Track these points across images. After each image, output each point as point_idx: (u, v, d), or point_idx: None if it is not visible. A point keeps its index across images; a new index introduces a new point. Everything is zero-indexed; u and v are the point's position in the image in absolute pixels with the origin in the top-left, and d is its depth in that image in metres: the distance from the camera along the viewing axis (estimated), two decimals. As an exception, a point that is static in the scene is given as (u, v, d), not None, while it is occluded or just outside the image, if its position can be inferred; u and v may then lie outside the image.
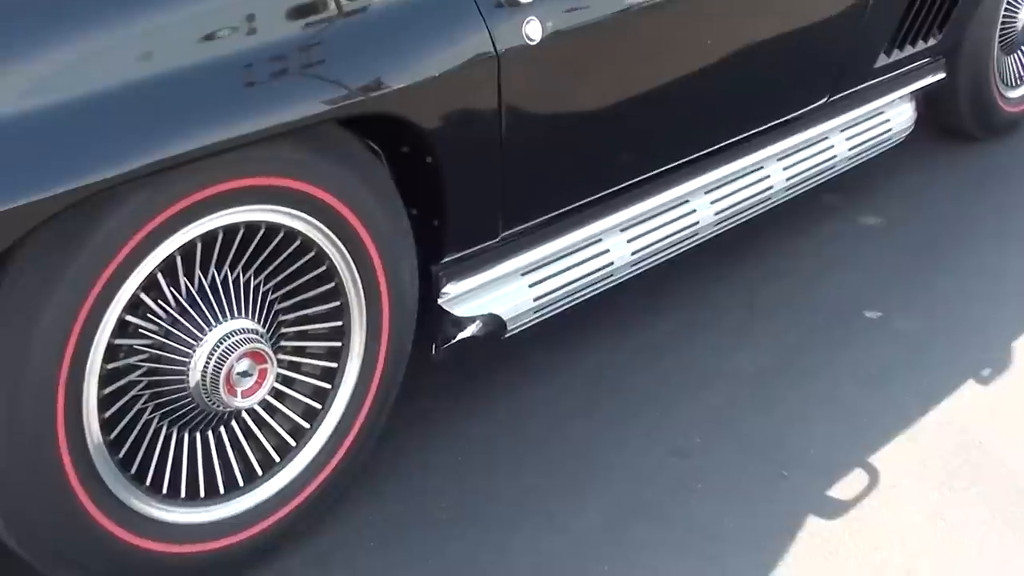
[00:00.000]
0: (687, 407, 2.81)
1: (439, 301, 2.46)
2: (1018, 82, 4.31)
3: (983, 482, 2.59)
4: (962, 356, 3.04)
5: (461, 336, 2.50)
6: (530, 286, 2.62)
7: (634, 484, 2.56)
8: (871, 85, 3.55)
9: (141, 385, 2.04)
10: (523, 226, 2.57)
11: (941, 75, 3.87)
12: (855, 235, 3.66)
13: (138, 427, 2.07)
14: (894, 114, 3.67)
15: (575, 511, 2.48)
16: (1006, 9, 4.03)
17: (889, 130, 3.65)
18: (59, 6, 1.78)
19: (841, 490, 2.56)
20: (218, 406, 2.09)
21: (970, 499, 2.54)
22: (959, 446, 2.70)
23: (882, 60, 3.53)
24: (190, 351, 2.04)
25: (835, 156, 3.43)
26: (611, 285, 2.83)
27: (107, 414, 1.98)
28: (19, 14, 1.73)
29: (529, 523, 2.44)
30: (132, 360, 2.00)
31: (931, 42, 3.72)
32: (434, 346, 2.50)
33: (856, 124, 3.53)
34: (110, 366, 1.96)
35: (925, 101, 3.92)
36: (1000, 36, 4.06)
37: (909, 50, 3.64)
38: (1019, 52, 4.25)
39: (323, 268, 2.19)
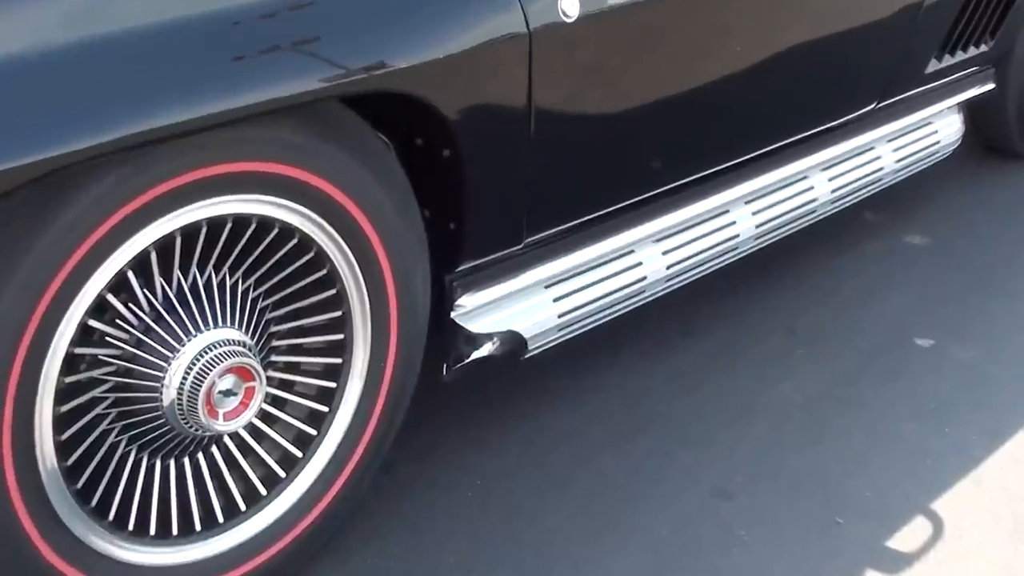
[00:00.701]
0: (728, 441, 2.55)
1: (452, 315, 2.19)
2: (1069, 98, 4.12)
3: (1063, 535, 2.30)
4: (1025, 391, 2.76)
5: (476, 355, 2.23)
6: (554, 300, 2.35)
7: (670, 529, 2.28)
8: (920, 93, 3.39)
9: (106, 403, 1.75)
10: (549, 232, 2.31)
11: (990, 85, 3.74)
12: (900, 255, 3.45)
13: (101, 452, 1.76)
14: (942, 125, 3.51)
15: (604, 559, 2.19)
16: None
17: (937, 142, 3.48)
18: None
19: (902, 540, 2.30)
20: (196, 430, 1.80)
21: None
22: (1032, 493, 2.41)
23: (932, 66, 3.37)
24: (165, 364, 1.74)
25: (882, 168, 3.25)
26: (643, 302, 2.57)
27: (64, 436, 1.68)
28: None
29: (553, 572, 2.15)
30: (96, 373, 1.70)
31: (982, 48, 3.59)
32: (445, 366, 2.23)
33: (904, 135, 3.36)
34: (69, 379, 1.65)
35: (971, 117, 3.73)
36: None
37: (960, 56, 3.50)
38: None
39: (323, 272, 1.90)
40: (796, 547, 2.25)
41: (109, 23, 1.53)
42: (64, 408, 1.68)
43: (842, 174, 3.09)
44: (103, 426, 1.77)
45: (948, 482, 2.47)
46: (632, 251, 2.51)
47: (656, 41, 2.28)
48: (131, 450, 1.82)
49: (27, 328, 1.56)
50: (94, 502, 1.77)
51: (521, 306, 2.29)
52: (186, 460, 1.89)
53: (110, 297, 1.67)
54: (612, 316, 2.50)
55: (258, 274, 1.85)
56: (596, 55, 2.14)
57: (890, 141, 3.29)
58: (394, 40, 1.79)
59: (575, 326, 2.40)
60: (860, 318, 3.08)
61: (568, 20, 2.03)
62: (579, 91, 2.16)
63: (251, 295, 1.86)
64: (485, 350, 2.23)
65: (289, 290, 1.90)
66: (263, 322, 1.89)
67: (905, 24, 3.06)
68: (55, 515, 1.71)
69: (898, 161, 3.30)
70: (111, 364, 1.73)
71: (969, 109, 3.67)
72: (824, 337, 2.97)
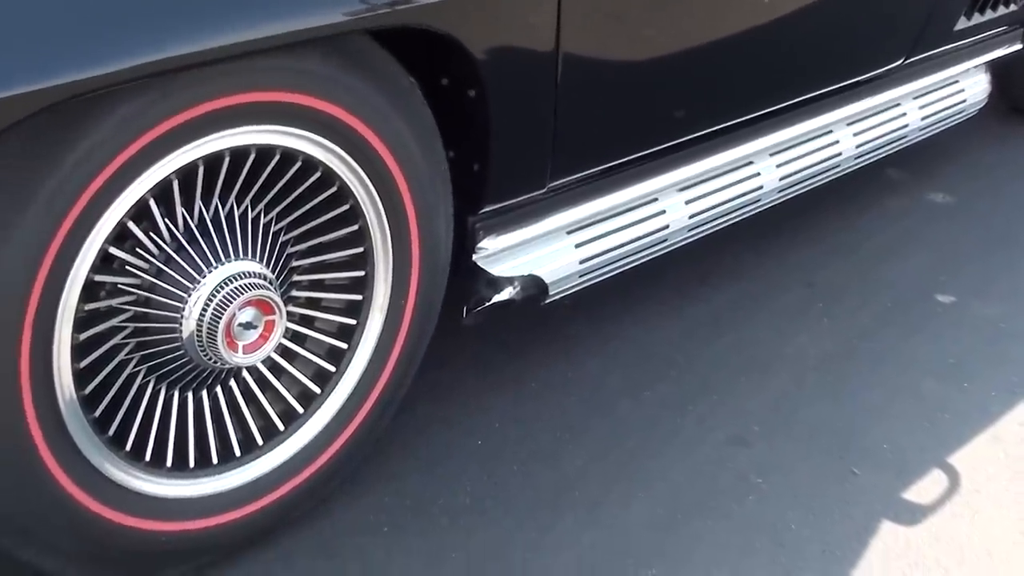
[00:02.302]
0: (746, 392, 2.55)
1: (474, 257, 2.19)
2: (1096, 61, 4.07)
3: (1079, 490, 2.30)
4: (1047, 349, 2.76)
5: (497, 299, 2.23)
6: (576, 246, 2.35)
7: (688, 475, 2.28)
8: (947, 51, 3.38)
9: (125, 333, 1.73)
10: (573, 177, 2.30)
11: (1018, 46, 3.74)
12: (922, 213, 3.45)
13: (119, 383, 1.75)
14: (969, 84, 3.51)
15: (621, 503, 2.19)
16: None
17: (964, 100, 3.48)
18: None
19: (918, 493, 2.30)
20: (215, 362, 1.80)
21: (1065, 510, 2.24)
22: (1050, 449, 2.41)
23: (962, 23, 3.35)
24: (185, 295, 1.74)
25: (907, 125, 3.25)
26: (664, 251, 2.57)
27: (83, 364, 1.66)
28: None
29: (568, 517, 2.15)
30: (115, 302, 1.70)
31: (1012, 8, 3.57)
32: (465, 309, 2.22)
33: (930, 92, 3.36)
34: (88, 307, 1.64)
35: (998, 77, 3.72)
36: None
37: (989, 14, 3.48)
38: (1099, 28, 4.00)
39: (346, 207, 1.89)
40: (811, 496, 2.25)
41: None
42: (83, 336, 1.66)
43: (867, 130, 3.09)
44: (121, 356, 1.76)
45: (966, 437, 2.47)
46: (655, 199, 2.51)
47: None
48: (149, 381, 1.82)
49: (47, 251, 1.55)
50: (111, 432, 1.76)
51: (543, 251, 2.29)
52: (204, 393, 1.88)
53: (131, 225, 1.66)
54: (633, 264, 2.49)
55: (280, 207, 1.84)
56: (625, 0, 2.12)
57: (916, 98, 3.28)
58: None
59: (596, 273, 2.40)
60: (881, 274, 3.07)
61: (598, -39, 2.00)
62: (607, 36, 2.14)
63: (272, 229, 1.85)
64: (506, 294, 2.23)
65: (311, 224, 1.89)
66: (284, 256, 1.88)
67: None
68: (72, 443, 1.70)
69: (924, 119, 3.30)
70: (131, 294, 1.71)
71: (995, 69, 3.65)
72: (844, 292, 2.97)
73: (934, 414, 2.53)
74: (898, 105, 3.20)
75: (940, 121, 3.38)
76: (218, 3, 1.56)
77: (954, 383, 2.64)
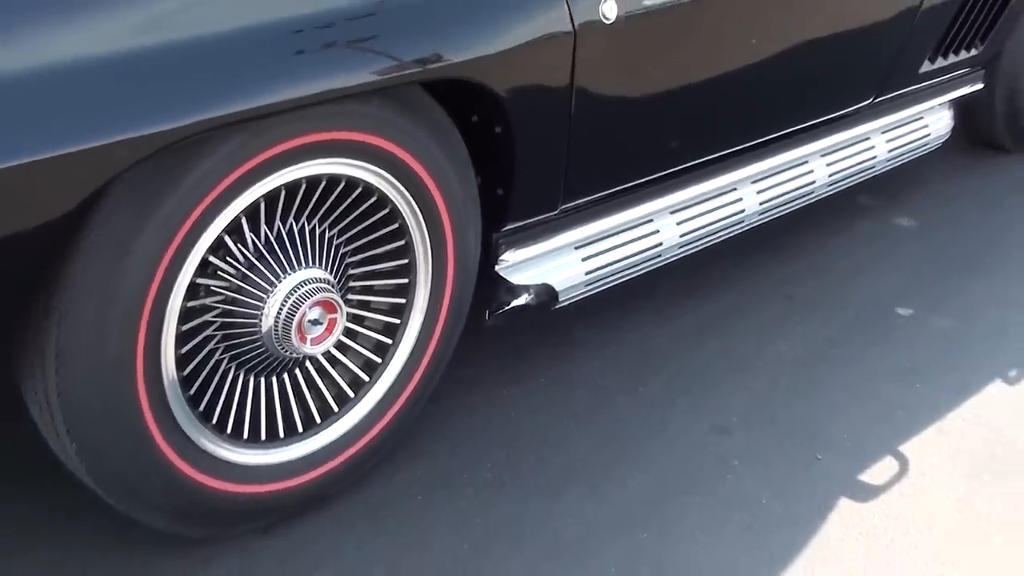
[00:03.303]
0: (728, 389, 2.88)
1: (496, 268, 2.52)
2: (1054, 99, 4.35)
3: (1009, 477, 2.67)
4: (992, 356, 3.12)
5: (515, 303, 2.56)
6: (583, 260, 2.68)
7: (676, 459, 2.62)
8: (914, 90, 3.66)
9: (215, 327, 2.08)
10: (581, 200, 2.63)
11: (979, 85, 3.99)
12: (890, 236, 3.75)
13: (208, 368, 2.11)
14: (933, 120, 3.78)
15: (619, 482, 2.53)
16: None
17: (928, 135, 3.75)
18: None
19: (872, 475, 2.63)
20: (288, 352, 2.15)
21: (996, 492, 2.61)
22: (986, 441, 2.78)
23: (926, 66, 3.63)
24: (265, 296, 2.09)
25: (875, 156, 3.53)
26: (658, 265, 2.89)
27: (183, 350, 2.02)
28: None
29: (574, 491, 2.49)
30: (209, 301, 2.05)
31: (973, 52, 3.83)
32: (488, 312, 2.56)
33: (897, 127, 3.64)
34: (190, 304, 2.01)
35: (961, 112, 4.01)
36: None
37: (952, 59, 3.74)
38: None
39: (395, 225, 2.25)
40: (782, 477, 2.59)
41: (235, 19, 1.87)
42: (184, 327, 2.03)
43: (839, 161, 3.38)
44: (211, 346, 2.12)
45: (916, 430, 2.80)
46: (651, 220, 2.83)
47: (681, 40, 2.59)
48: (231, 367, 2.17)
49: (162, 260, 1.91)
50: (201, 409, 2.12)
51: (555, 263, 2.63)
52: (274, 379, 2.24)
53: (226, 238, 2.03)
54: (631, 276, 2.82)
55: (341, 225, 2.20)
56: (630, 51, 2.46)
57: (884, 133, 3.57)
58: (463, 37, 2.13)
59: (599, 283, 2.73)
60: (850, 289, 3.39)
61: (607, 21, 2.36)
62: (614, 81, 2.48)
63: (335, 242, 2.21)
64: (523, 299, 2.57)
65: (366, 239, 2.24)
66: (343, 265, 2.24)
67: (901, 29, 3.33)
68: (172, 417, 2.06)
69: (890, 151, 3.59)
70: (221, 294, 2.08)
71: (961, 106, 3.94)
72: (817, 305, 3.29)
73: (890, 411, 2.85)
74: (867, 139, 3.49)
75: (906, 153, 3.67)
76: (302, 63, 1.92)
77: (908, 385, 2.97)
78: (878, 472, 2.65)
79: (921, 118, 3.74)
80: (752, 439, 2.71)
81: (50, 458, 2.10)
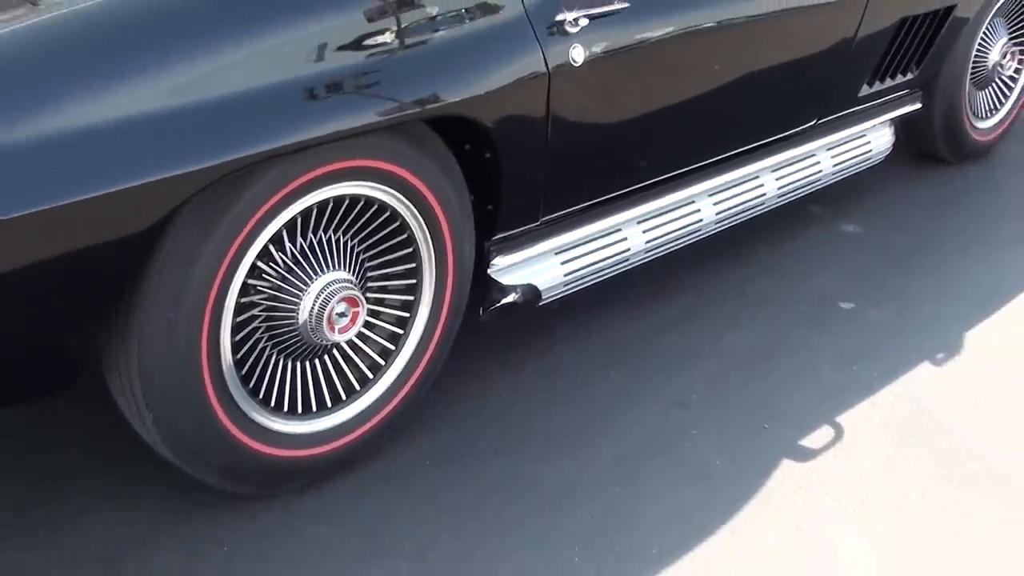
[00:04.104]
0: (688, 373, 3.33)
1: (488, 271, 2.99)
2: (989, 114, 4.84)
3: (930, 443, 3.12)
4: (921, 343, 3.56)
5: (504, 301, 3.02)
6: (562, 263, 3.14)
7: (643, 430, 3.09)
8: (855, 111, 4.09)
9: (260, 319, 2.56)
10: (559, 213, 3.10)
11: (917, 105, 4.40)
12: (836, 241, 4.19)
13: (255, 353, 2.59)
14: (874, 137, 4.21)
15: (595, 449, 3.00)
16: (978, 49, 4.56)
17: (870, 151, 4.19)
18: (232, 14, 2.32)
19: (811, 441, 3.09)
20: (319, 340, 2.62)
21: (919, 455, 3.06)
22: (913, 413, 3.23)
23: (865, 90, 4.06)
24: (301, 293, 2.56)
25: (821, 171, 3.96)
26: (626, 268, 3.35)
27: (236, 339, 2.51)
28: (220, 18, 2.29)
29: (557, 457, 2.96)
30: (256, 298, 2.52)
31: (909, 76, 4.25)
32: (482, 309, 3.02)
33: (840, 144, 4.06)
34: (242, 300, 2.48)
35: (905, 128, 4.47)
36: (972, 73, 4.58)
37: (889, 83, 4.17)
38: (991, 87, 4.78)
39: (405, 235, 2.72)
40: (733, 443, 3.05)
41: (274, 75, 2.35)
42: (238, 319, 2.52)
43: (787, 175, 3.81)
44: (256, 335, 2.60)
45: (852, 404, 3.25)
46: (620, 229, 3.29)
47: (639, 75, 3.05)
48: (273, 353, 2.66)
49: (222, 264, 2.38)
50: (251, 386, 2.61)
51: (538, 266, 3.09)
52: (308, 362, 2.73)
53: (270, 247, 2.52)
54: (604, 277, 3.27)
55: (361, 236, 2.69)
56: (594, 87, 2.92)
57: (829, 150, 4.00)
58: (457, 81, 2.60)
59: (577, 283, 3.19)
60: (798, 287, 3.83)
61: (576, 64, 2.83)
62: (582, 112, 2.94)
63: (355, 250, 2.68)
64: (511, 297, 3.03)
65: (381, 248, 2.72)
66: (362, 268, 2.71)
67: (838, 58, 3.78)
68: (229, 393, 2.53)
69: (835, 166, 4.02)
70: (266, 292, 2.57)
71: (903, 123, 4.39)
72: (768, 301, 3.74)
73: (829, 389, 3.30)
74: (813, 155, 3.91)
75: (850, 167, 4.09)
76: (328, 106, 2.41)
77: (847, 368, 3.41)
78: (817, 439, 3.10)
79: (864, 135, 4.16)
80: (708, 413, 3.17)
81: (122, 437, 2.57)
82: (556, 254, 3.14)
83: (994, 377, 3.41)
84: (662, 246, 3.42)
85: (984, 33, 4.55)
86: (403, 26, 2.53)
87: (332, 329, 2.60)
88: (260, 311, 2.56)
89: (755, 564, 2.67)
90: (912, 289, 3.90)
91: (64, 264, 2.16)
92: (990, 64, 4.68)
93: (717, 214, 3.58)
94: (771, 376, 3.36)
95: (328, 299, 2.58)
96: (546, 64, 2.77)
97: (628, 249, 3.31)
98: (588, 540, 2.70)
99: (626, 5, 2.91)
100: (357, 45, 2.45)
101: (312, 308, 2.58)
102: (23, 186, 2.05)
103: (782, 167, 3.79)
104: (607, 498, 2.84)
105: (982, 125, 4.82)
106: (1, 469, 2.82)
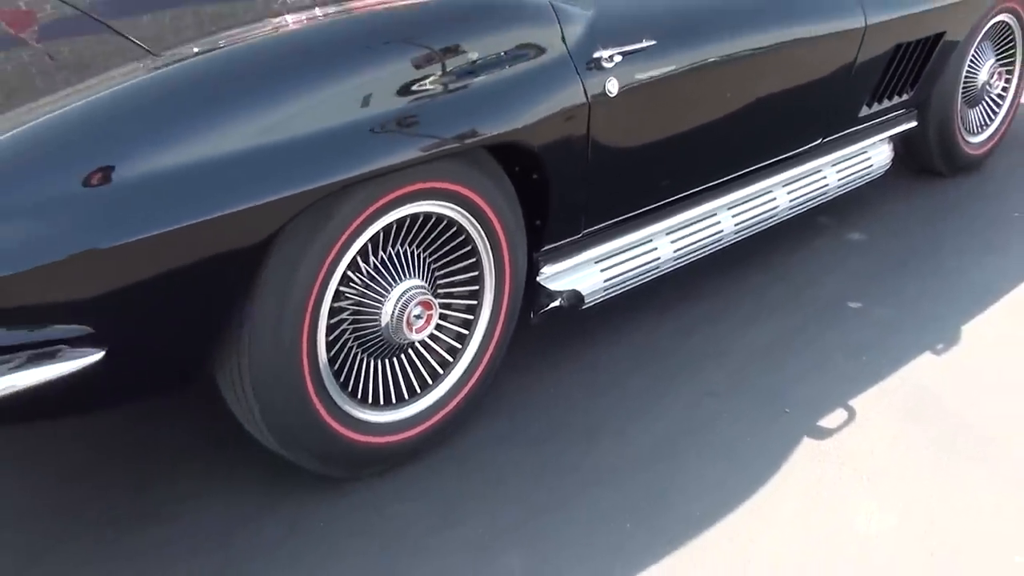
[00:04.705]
0: (715, 366, 3.72)
1: (538, 278, 3.38)
2: (980, 130, 5.23)
3: (932, 421, 3.50)
4: (923, 336, 3.95)
5: (552, 305, 3.40)
6: (601, 271, 3.51)
7: (679, 415, 3.48)
8: (856, 130, 4.47)
9: (348, 321, 2.96)
10: (598, 226, 3.49)
11: (913, 123, 4.79)
12: (842, 248, 4.58)
13: (344, 353, 2.98)
14: (875, 153, 4.59)
15: (635, 434, 3.39)
16: (967, 71, 4.95)
17: (871, 166, 4.56)
18: (329, 61, 2.75)
19: (827, 422, 3.47)
20: (399, 339, 3.01)
21: (923, 431, 3.45)
22: (917, 397, 3.61)
23: (864, 111, 4.44)
24: (382, 298, 2.95)
25: (827, 185, 4.34)
26: (657, 275, 3.74)
27: (330, 338, 2.91)
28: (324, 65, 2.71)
29: (601, 441, 3.35)
30: (345, 303, 2.91)
31: (905, 97, 4.63)
32: (532, 313, 3.41)
33: (844, 160, 4.44)
34: (334, 304, 2.86)
35: (903, 144, 4.86)
36: (963, 92, 4.97)
37: (887, 103, 4.55)
38: (981, 105, 5.18)
39: (469, 247, 3.12)
40: (758, 424, 3.44)
41: (363, 112, 2.76)
42: (331, 321, 2.93)
43: (797, 189, 4.19)
44: (344, 337, 3.01)
45: (862, 390, 3.63)
46: (651, 240, 3.68)
47: (665, 105, 3.44)
48: (358, 352, 3.06)
49: (319, 274, 2.77)
50: (341, 380, 3.01)
51: (580, 274, 3.46)
52: (385, 361, 3.13)
53: (358, 259, 2.93)
54: (637, 283, 3.66)
55: (431, 247, 3.09)
56: (627, 115, 3.31)
57: (834, 165, 4.38)
58: (515, 112, 3.00)
59: (614, 288, 3.56)
60: (810, 290, 4.22)
61: (611, 95, 3.23)
62: (617, 137, 3.33)
63: (426, 260, 3.08)
64: (558, 302, 3.41)
65: (449, 258, 3.11)
66: (433, 276, 3.12)
67: (840, 83, 4.17)
68: (324, 386, 2.91)
69: (840, 180, 4.40)
70: (353, 298, 2.97)
71: (901, 139, 4.78)
72: (782, 303, 4.13)
73: (843, 377, 3.68)
74: (820, 171, 4.30)
75: (854, 181, 4.46)
76: (407, 137, 2.81)
77: (857, 359, 3.80)
78: (832, 419, 3.49)
79: (865, 152, 4.54)
80: (734, 400, 3.56)
81: (222, 431, 2.98)
82: (596, 263, 3.50)
83: (988, 365, 3.79)
84: (688, 255, 3.80)
85: (973, 55, 4.95)
86: (468, 67, 2.93)
87: (410, 329, 3.00)
88: (348, 315, 2.94)
89: (782, 523, 3.05)
90: (912, 289, 4.26)
91: (190, 275, 2.56)
92: (979, 83, 5.08)
93: (736, 225, 3.97)
94: (788, 368, 3.74)
95: (407, 303, 2.96)
96: (586, 95, 3.17)
97: (659, 258, 3.70)
98: (637, 509, 3.09)
99: (653, 43, 3.31)
100: (429, 84, 2.85)
101: (393, 311, 2.96)
102: (165, 206, 2.46)
103: (792, 182, 4.15)
104: (650, 474, 3.22)
105: (974, 140, 5.21)
106: (121, 459, 3.22)
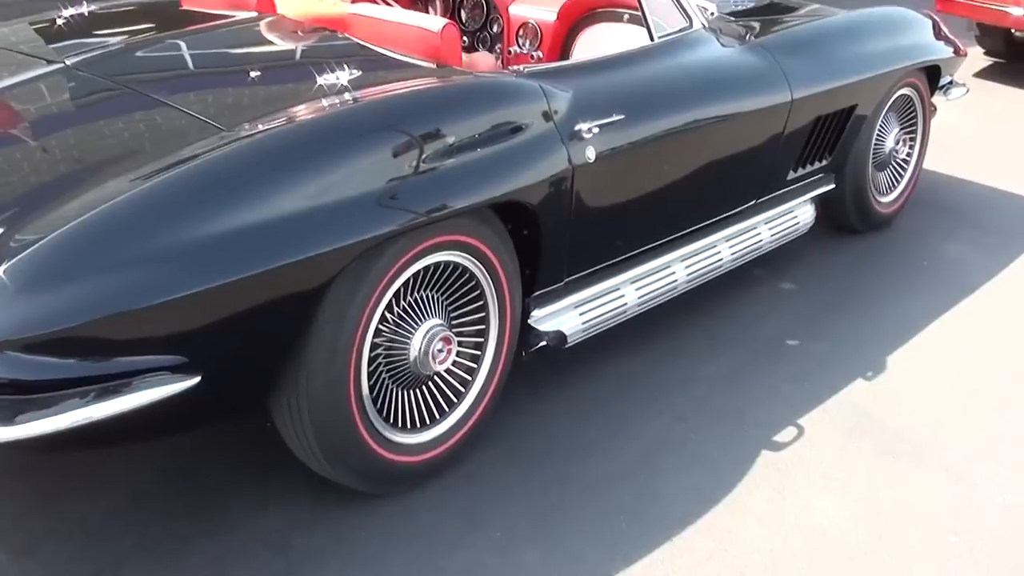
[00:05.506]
0: (680, 395, 4.25)
1: (528, 321, 3.91)
2: (889, 191, 5.80)
3: (870, 433, 4.08)
4: (854, 365, 4.53)
5: (540, 344, 3.92)
6: (580, 315, 4.05)
7: (655, 434, 4.01)
8: (784, 192, 5.03)
9: (381, 356, 3.49)
10: (578, 275, 4.04)
11: (832, 186, 5.33)
12: (777, 295, 5.15)
13: (379, 384, 3.50)
14: (800, 213, 5.12)
15: (619, 450, 3.91)
16: (876, 140, 5.53)
17: (797, 223, 5.10)
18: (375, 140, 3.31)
19: (782, 437, 4.03)
20: (424, 371, 3.54)
21: (863, 441, 4.02)
22: (855, 414, 4.20)
23: (791, 175, 5.01)
24: (410, 335, 3.47)
25: (761, 240, 4.85)
26: (626, 318, 4.28)
27: (369, 369, 3.44)
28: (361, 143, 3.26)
29: (591, 457, 3.87)
30: (380, 340, 3.44)
31: (824, 162, 5.19)
32: (523, 352, 3.93)
33: (775, 219, 4.95)
34: (373, 340, 3.37)
35: (823, 204, 5.43)
36: (873, 157, 5.54)
37: (809, 168, 5.11)
38: (890, 168, 5.76)
39: (477, 292, 3.65)
40: (725, 440, 3.97)
41: (394, 178, 3.31)
42: (370, 355, 3.46)
43: (737, 244, 4.72)
44: (380, 370, 3.53)
45: (807, 410, 4.19)
46: (619, 288, 4.23)
47: (633, 168, 4.00)
48: (389, 383, 3.58)
49: (364, 314, 3.27)
50: (378, 407, 3.53)
51: (563, 316, 3.99)
52: (409, 391, 3.64)
53: (392, 301, 3.46)
54: (609, 325, 4.20)
55: (447, 292, 3.65)
56: (604, 176, 3.86)
57: (767, 223, 4.91)
58: (516, 176, 3.56)
59: (592, 330, 4.09)
60: (754, 331, 4.77)
61: (590, 160, 3.81)
62: (595, 196, 3.87)
63: (443, 303, 3.64)
64: (545, 341, 3.95)
65: (461, 301, 3.66)
66: (447, 316, 3.67)
67: (770, 151, 4.75)
68: (366, 413, 3.39)
69: (772, 236, 4.93)
70: (386, 335, 3.51)
71: (822, 199, 5.37)
72: (732, 340, 4.68)
73: (788, 402, 4.25)
74: (755, 228, 4.83)
75: (783, 237, 4.97)
76: (432, 197, 3.35)
77: (800, 385, 4.36)
78: (785, 435, 4.04)
79: (792, 211, 5.09)
80: (702, 422, 4.09)
81: (272, 455, 3.47)
82: (575, 307, 4.06)
83: (912, 388, 4.38)
84: (649, 301, 4.32)
85: (880, 125, 5.53)
86: (477, 139, 3.48)
87: (434, 360, 3.52)
88: (382, 350, 3.46)
89: (753, 519, 3.60)
90: (843, 327, 4.83)
91: (258, 316, 3.04)
92: (887, 150, 5.65)
93: (688, 275, 4.51)
94: (743, 394, 4.30)
95: (432, 338, 3.48)
96: (570, 161, 3.72)
97: (626, 303, 4.22)
98: (629, 511, 3.62)
99: (622, 116, 3.90)
100: (449, 154, 3.39)
101: (420, 346, 3.49)
102: (245, 256, 2.97)
103: (733, 237, 4.68)
104: (635, 482, 3.76)
105: (884, 200, 5.75)
106: (188, 478, 3.70)
